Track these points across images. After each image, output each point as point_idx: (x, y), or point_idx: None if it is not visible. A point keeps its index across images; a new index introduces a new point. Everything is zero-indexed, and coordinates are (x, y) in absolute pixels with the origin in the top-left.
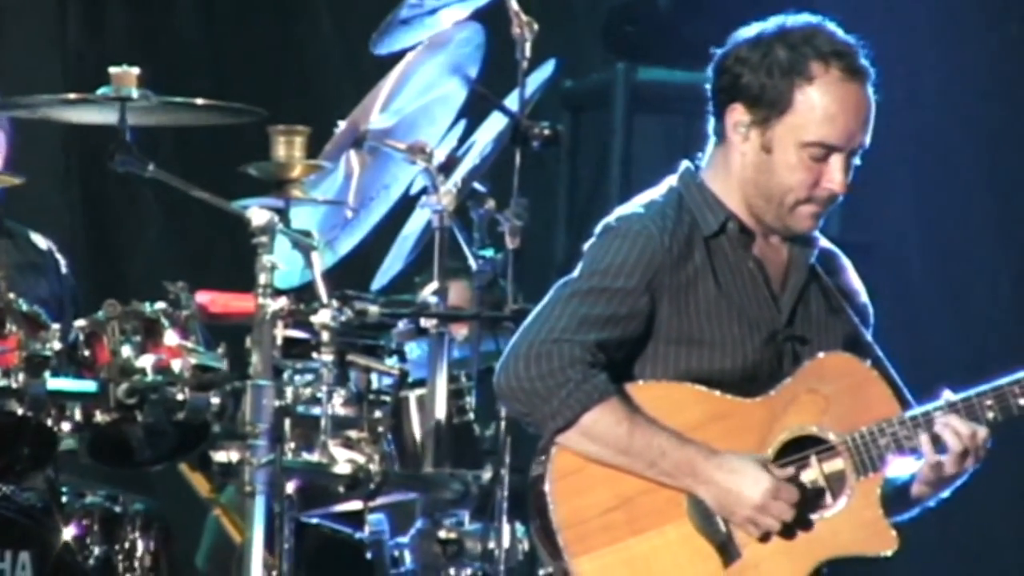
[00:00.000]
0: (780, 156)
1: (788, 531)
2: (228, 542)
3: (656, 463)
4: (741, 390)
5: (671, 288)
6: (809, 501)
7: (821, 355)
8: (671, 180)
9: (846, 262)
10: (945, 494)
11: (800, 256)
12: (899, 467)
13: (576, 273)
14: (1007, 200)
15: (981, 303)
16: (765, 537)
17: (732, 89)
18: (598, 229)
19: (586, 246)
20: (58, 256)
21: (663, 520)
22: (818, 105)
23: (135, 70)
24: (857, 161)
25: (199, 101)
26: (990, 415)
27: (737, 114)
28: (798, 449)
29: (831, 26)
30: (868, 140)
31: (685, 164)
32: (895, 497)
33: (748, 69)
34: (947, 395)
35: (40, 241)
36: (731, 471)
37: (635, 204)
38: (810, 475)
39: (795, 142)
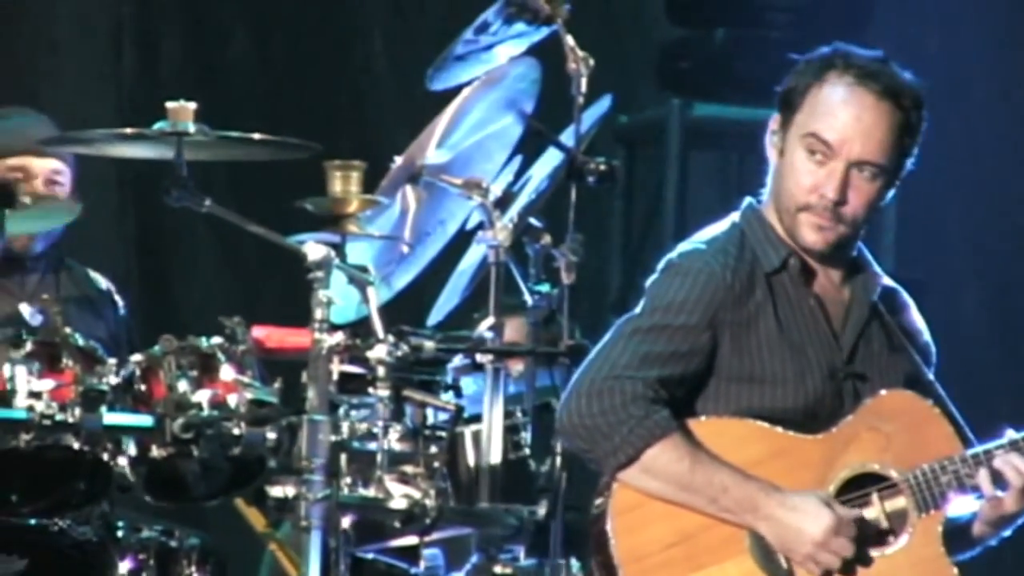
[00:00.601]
0: (787, 157)
1: (849, 569)
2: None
3: (717, 499)
4: (802, 427)
5: (732, 325)
6: (870, 539)
7: (883, 392)
8: (734, 216)
9: (908, 300)
10: (1007, 533)
11: (862, 294)
12: (961, 505)
13: (638, 310)
14: None
15: None
16: (827, 574)
17: (776, 101)
18: (660, 265)
19: (648, 283)
20: (117, 297)
21: (724, 557)
22: (822, 100)
23: (192, 104)
24: (872, 183)
25: (256, 136)
26: None
27: (772, 124)
28: (859, 487)
29: (877, 55)
30: (880, 158)
31: (748, 200)
32: (956, 536)
33: (787, 79)
34: (1010, 434)
35: (100, 280)
36: (793, 508)
37: (697, 240)
38: (871, 512)
39: (797, 137)
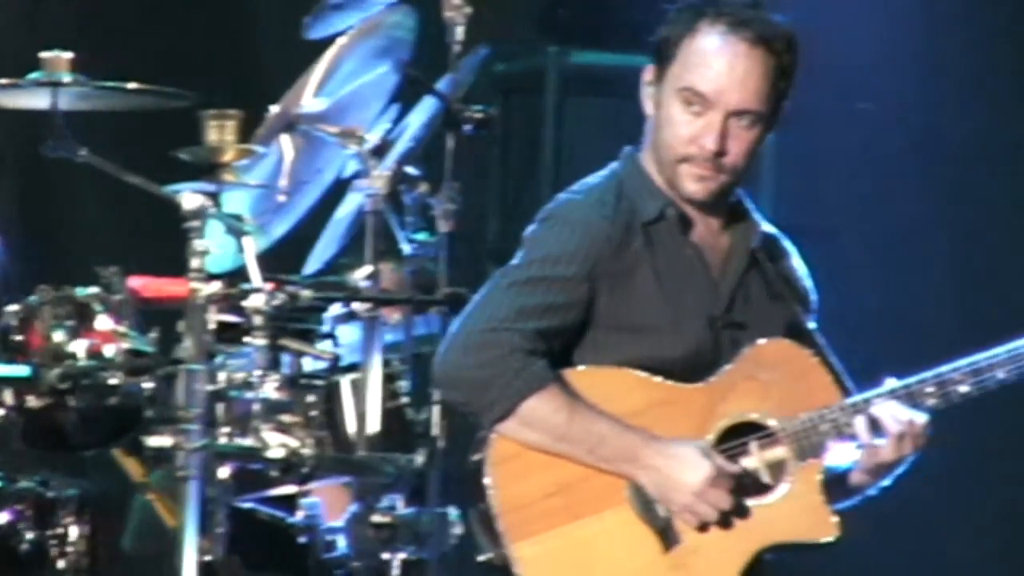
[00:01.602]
0: (664, 110)
1: (728, 517)
2: (155, 523)
3: (596, 450)
4: (681, 377)
5: (611, 276)
6: (749, 488)
7: (761, 342)
8: (614, 166)
9: (789, 247)
10: (886, 483)
11: (741, 242)
12: (840, 455)
13: (516, 261)
14: (942, 183)
15: (915, 289)
16: (705, 524)
17: (650, 52)
18: (538, 216)
19: (526, 233)
20: None
21: (603, 506)
22: (695, 52)
23: (67, 55)
24: (750, 131)
25: (131, 85)
26: (931, 402)
27: (647, 75)
28: (738, 436)
29: (747, 1)
30: (756, 106)
31: (627, 149)
32: (836, 485)
33: (660, 30)
34: (890, 382)
35: None
36: (671, 457)
37: (575, 190)
38: (751, 462)
39: (673, 90)
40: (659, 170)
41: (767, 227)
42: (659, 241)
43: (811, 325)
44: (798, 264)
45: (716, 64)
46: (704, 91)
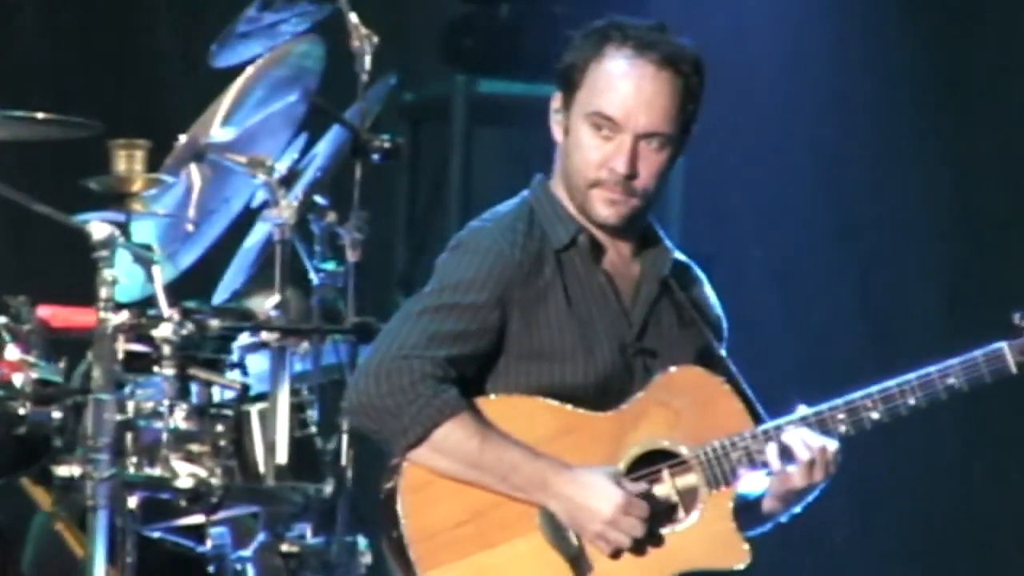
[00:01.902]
0: (573, 136)
1: (640, 545)
2: (55, 546)
3: (507, 477)
4: (592, 404)
5: (521, 303)
6: (661, 515)
7: (672, 369)
8: (524, 193)
9: (700, 275)
10: (797, 509)
11: (652, 269)
12: (752, 482)
13: (427, 288)
14: (846, 211)
15: (822, 314)
16: (617, 551)
17: (556, 79)
18: (449, 244)
19: (437, 261)
20: None
21: (514, 533)
22: (602, 76)
23: None
24: (660, 153)
25: (39, 115)
26: (842, 428)
27: (555, 103)
28: (650, 463)
29: (653, 24)
30: (665, 128)
31: (537, 177)
32: (748, 512)
33: (565, 56)
34: (801, 409)
35: None
36: (582, 485)
37: (486, 218)
38: (662, 489)
39: (581, 115)
40: (570, 196)
41: (678, 254)
42: (570, 268)
43: (722, 352)
44: (709, 292)
45: (623, 87)
46: (612, 115)
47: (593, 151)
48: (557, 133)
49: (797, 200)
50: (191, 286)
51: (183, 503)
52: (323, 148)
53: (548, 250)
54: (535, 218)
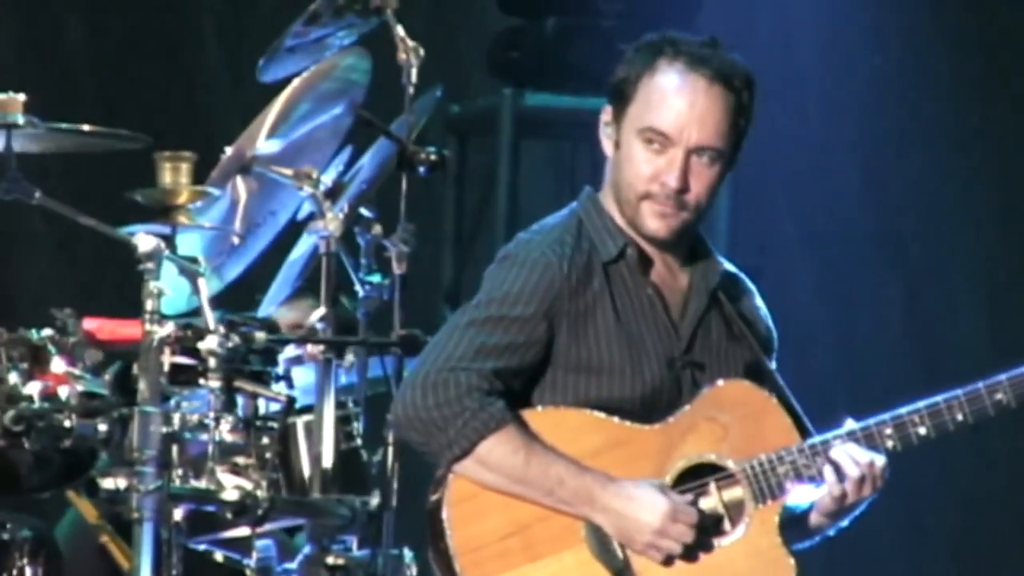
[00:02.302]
0: (624, 150)
1: (686, 558)
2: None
3: (553, 491)
4: (640, 417)
5: (570, 316)
6: (708, 528)
7: (720, 383)
8: (574, 205)
9: (750, 286)
10: (844, 523)
11: (701, 282)
12: (799, 495)
13: (474, 300)
14: (892, 225)
15: (868, 328)
16: (664, 563)
17: (607, 93)
18: (498, 256)
19: (485, 272)
20: None
21: (560, 547)
22: (655, 91)
23: (20, 96)
24: (711, 168)
25: (85, 127)
26: (890, 444)
27: (605, 116)
28: (697, 477)
29: (705, 39)
30: (717, 143)
31: (587, 189)
32: (795, 525)
33: (618, 70)
34: (849, 424)
35: None
36: (628, 498)
37: (535, 229)
38: (709, 502)
39: (633, 130)
40: (620, 209)
41: (728, 266)
42: (619, 281)
43: (771, 365)
44: (759, 304)
45: (676, 102)
46: (665, 129)
47: (644, 165)
48: (607, 146)
49: (843, 214)
50: (237, 299)
51: (229, 515)
52: (369, 160)
53: (596, 263)
54: (584, 231)
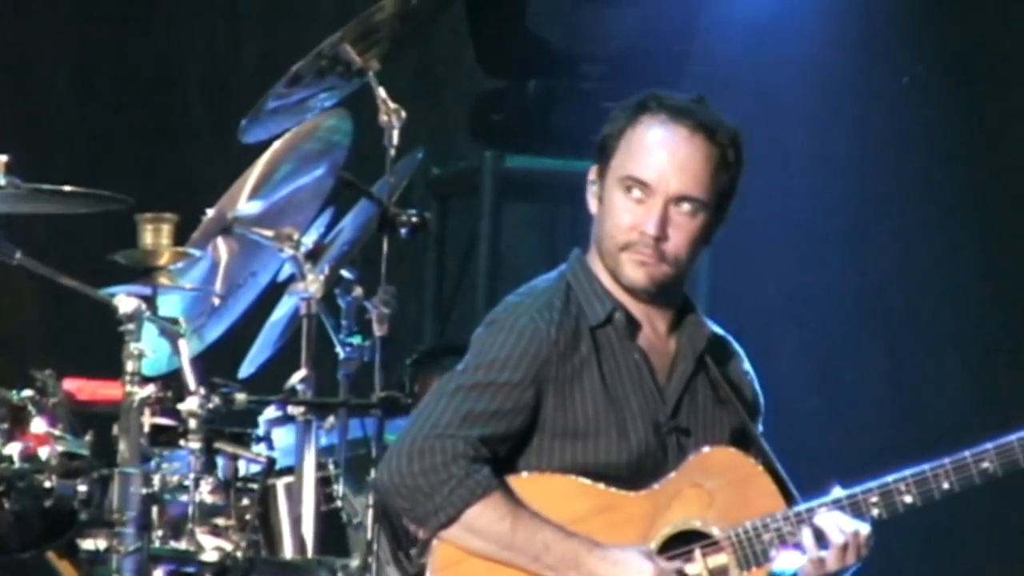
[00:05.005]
0: (607, 202)
1: None
2: None
3: (540, 557)
4: (626, 483)
5: (556, 381)
6: None
7: (706, 449)
8: (563, 267)
9: (737, 349)
10: None
11: (688, 345)
12: (784, 562)
13: (461, 366)
14: (876, 286)
15: (853, 390)
16: None
17: (593, 151)
18: (485, 320)
19: (473, 336)
20: None
21: None
22: (636, 141)
23: (3, 157)
24: (692, 219)
25: (67, 188)
26: (875, 512)
27: (591, 174)
28: (682, 544)
29: (692, 96)
30: (697, 192)
31: (575, 251)
32: None
33: (603, 128)
34: (836, 491)
35: None
36: (614, 562)
37: (523, 293)
38: (694, 568)
39: (615, 180)
40: (603, 263)
41: (716, 328)
42: (606, 345)
43: (758, 430)
44: (746, 367)
45: (657, 151)
46: (644, 177)
47: (625, 214)
48: (592, 204)
49: (825, 276)
50: (218, 360)
51: None
52: (350, 222)
53: (584, 327)
54: (572, 294)
